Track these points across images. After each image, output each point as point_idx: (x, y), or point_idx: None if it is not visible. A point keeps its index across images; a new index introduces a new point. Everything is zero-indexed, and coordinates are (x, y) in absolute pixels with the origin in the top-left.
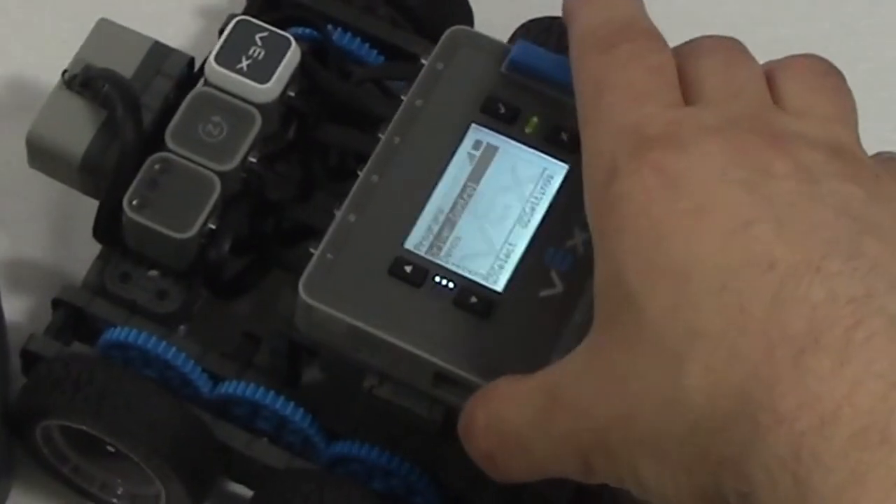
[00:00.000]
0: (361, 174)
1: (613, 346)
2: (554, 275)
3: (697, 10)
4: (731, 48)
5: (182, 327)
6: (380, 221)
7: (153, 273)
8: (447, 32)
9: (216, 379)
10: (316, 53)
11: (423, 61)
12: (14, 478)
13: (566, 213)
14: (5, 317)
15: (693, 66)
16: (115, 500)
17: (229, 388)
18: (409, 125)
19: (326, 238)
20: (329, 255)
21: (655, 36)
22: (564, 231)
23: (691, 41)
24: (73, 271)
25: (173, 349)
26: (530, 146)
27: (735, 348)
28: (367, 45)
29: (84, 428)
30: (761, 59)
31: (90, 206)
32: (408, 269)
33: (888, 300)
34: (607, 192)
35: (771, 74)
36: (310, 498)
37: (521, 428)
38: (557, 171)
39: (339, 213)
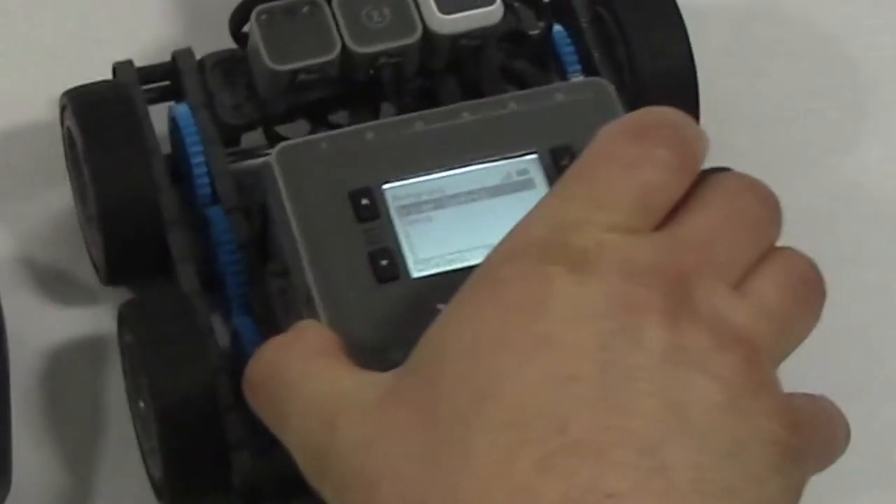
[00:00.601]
0: (410, 114)
1: (401, 410)
2: None
3: (697, 8)
4: (757, 209)
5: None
6: (386, 155)
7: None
8: (595, 80)
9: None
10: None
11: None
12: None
13: None
14: (5, 316)
15: (702, 195)
16: None
17: (210, 210)
18: (485, 113)
19: (333, 133)
20: (322, 145)
21: (689, 158)
22: None
23: (728, 173)
24: (74, 271)
25: (199, 148)
26: None
27: (483, 492)
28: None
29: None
30: (761, 59)
31: None
32: (364, 202)
33: None
34: (498, 266)
35: (767, 253)
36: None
37: (291, 408)
38: None
39: (361, 124)
